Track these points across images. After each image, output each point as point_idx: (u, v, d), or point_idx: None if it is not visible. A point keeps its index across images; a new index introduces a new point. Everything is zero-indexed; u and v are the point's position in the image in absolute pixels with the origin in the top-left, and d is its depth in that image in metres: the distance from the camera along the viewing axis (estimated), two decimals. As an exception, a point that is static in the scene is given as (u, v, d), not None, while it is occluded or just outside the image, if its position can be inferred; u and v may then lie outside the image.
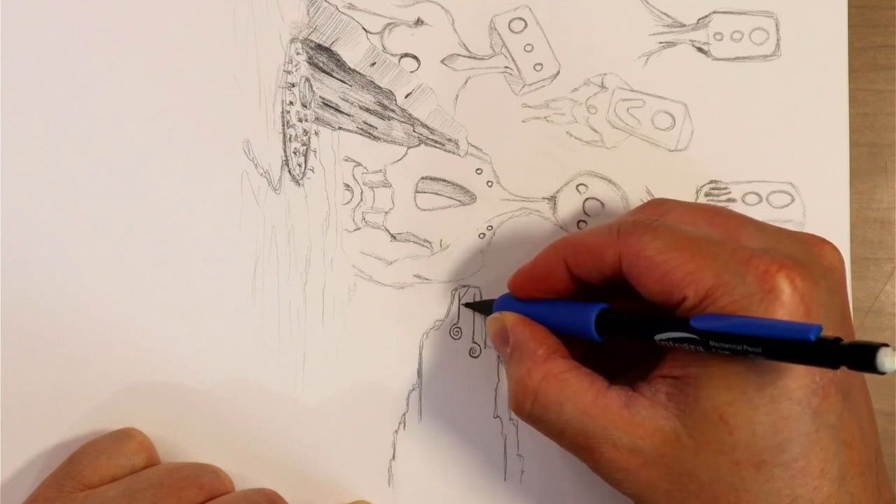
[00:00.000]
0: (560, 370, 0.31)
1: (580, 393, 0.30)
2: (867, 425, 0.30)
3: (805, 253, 0.30)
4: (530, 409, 0.31)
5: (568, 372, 0.31)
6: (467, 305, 0.38)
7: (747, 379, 0.28)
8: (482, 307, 0.37)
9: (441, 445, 0.38)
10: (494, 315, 0.34)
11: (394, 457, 0.38)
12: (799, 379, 0.28)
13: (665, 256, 0.29)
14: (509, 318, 0.33)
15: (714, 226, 0.31)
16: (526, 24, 0.39)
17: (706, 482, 0.28)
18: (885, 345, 0.24)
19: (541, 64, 0.38)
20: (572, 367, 0.31)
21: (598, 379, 0.31)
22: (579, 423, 0.30)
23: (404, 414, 0.38)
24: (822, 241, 0.31)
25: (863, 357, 0.24)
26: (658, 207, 0.33)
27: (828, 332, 0.26)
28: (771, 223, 0.32)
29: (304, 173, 0.38)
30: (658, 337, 0.29)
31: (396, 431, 0.38)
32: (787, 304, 0.27)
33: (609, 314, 0.31)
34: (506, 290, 0.35)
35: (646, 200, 0.38)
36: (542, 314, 0.33)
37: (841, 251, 0.31)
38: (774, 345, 0.26)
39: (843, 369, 0.27)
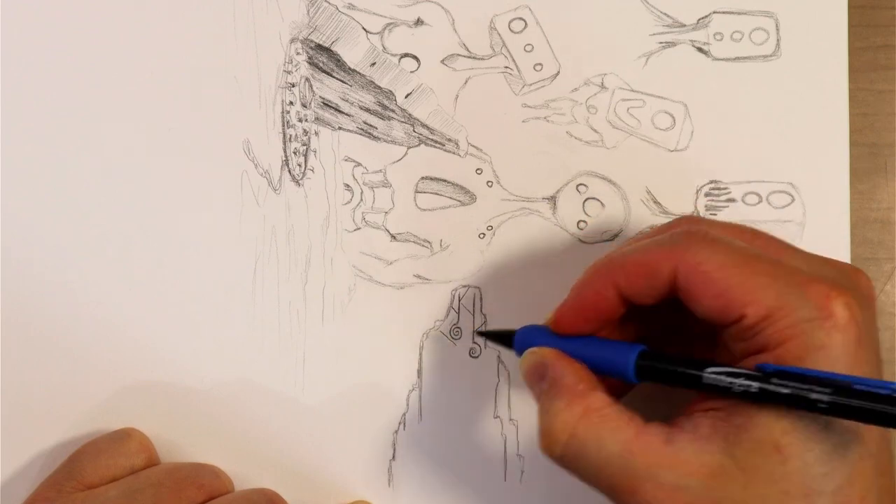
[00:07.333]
0: (601, 405, 0.30)
1: (621, 428, 0.29)
2: (891, 454, 0.30)
3: (847, 280, 0.30)
4: (566, 445, 0.30)
5: (608, 407, 0.30)
6: (482, 334, 0.37)
7: None
8: (500, 337, 0.35)
9: (441, 445, 0.38)
10: (531, 349, 0.32)
11: (394, 457, 0.38)
12: None
13: (725, 272, 0.28)
14: (548, 352, 0.32)
15: (755, 247, 0.30)
16: (526, 24, 0.39)
17: None
18: None
19: (541, 64, 0.38)
20: (612, 403, 0.30)
21: (636, 416, 0.30)
22: (620, 461, 0.29)
23: (404, 414, 0.38)
24: (857, 271, 0.31)
25: None
26: (694, 225, 0.31)
27: (865, 364, 0.27)
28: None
29: (304, 173, 0.38)
30: (709, 370, 0.28)
31: (396, 431, 0.38)
32: (842, 328, 0.27)
33: (648, 357, 0.30)
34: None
35: (646, 201, 0.38)
36: (574, 351, 0.31)
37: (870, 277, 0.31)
38: (846, 392, 0.26)
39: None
